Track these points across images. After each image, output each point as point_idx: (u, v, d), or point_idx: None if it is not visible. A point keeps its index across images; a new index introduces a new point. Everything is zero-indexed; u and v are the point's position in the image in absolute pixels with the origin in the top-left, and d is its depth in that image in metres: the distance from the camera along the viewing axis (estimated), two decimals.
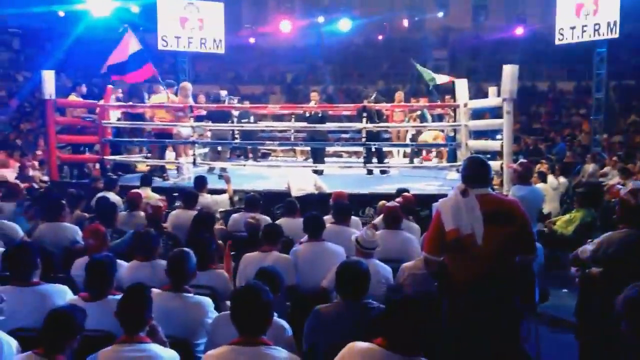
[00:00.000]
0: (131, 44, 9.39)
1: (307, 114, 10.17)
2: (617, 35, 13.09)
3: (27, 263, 3.47)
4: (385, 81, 23.29)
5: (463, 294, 3.20)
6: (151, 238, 4.16)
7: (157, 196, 7.01)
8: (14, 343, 2.85)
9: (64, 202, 5.67)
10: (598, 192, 8.97)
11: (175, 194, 7.52)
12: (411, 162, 11.50)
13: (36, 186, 9.93)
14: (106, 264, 3.46)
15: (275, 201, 7.57)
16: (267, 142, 11.59)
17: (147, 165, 10.24)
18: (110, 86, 10.06)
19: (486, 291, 3.15)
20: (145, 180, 7.61)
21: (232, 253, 4.91)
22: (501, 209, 3.24)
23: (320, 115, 9.92)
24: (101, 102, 9.80)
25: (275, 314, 3.11)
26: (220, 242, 5.12)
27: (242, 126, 10.81)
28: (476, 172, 3.33)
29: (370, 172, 9.79)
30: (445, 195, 3.51)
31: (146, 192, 6.91)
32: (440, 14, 21.44)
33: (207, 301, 3.41)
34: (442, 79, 11.55)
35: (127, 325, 2.80)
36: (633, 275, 3.30)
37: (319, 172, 9.04)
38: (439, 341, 3.01)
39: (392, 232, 5.03)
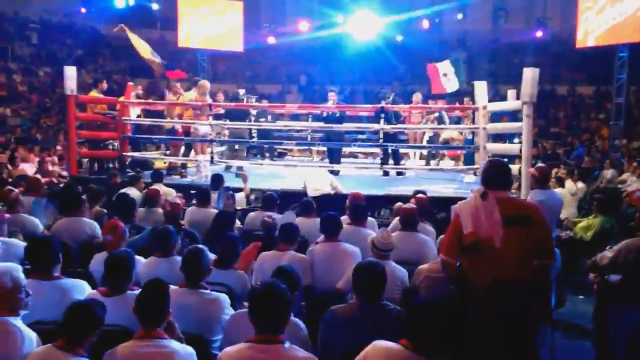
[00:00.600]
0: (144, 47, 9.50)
1: (325, 114, 10.19)
2: (638, 40, 12.98)
3: (49, 257, 3.51)
4: (402, 82, 23.21)
5: (480, 297, 3.19)
6: (170, 234, 4.18)
7: (173, 192, 7.08)
8: (34, 335, 2.89)
9: (83, 197, 5.73)
10: (617, 199, 8.86)
11: (192, 192, 7.57)
12: (427, 164, 11.46)
13: (55, 181, 10.06)
14: (125, 259, 3.50)
15: (291, 201, 7.59)
16: (285, 141, 11.61)
17: (165, 162, 10.32)
18: (130, 83, 10.16)
19: (504, 295, 3.14)
20: (156, 176, 7.64)
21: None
22: (521, 213, 3.24)
23: (337, 115, 9.93)
24: (121, 98, 9.90)
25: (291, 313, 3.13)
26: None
27: (260, 125, 10.85)
28: (496, 175, 3.33)
29: (386, 173, 9.78)
30: (462, 198, 3.51)
31: (160, 188, 6.97)
32: (460, 16, 21.29)
33: (224, 297, 3.43)
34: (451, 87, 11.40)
35: (145, 320, 2.82)
36: None
37: (335, 173, 9.05)
38: (464, 345, 3.00)
39: (408, 233, 5.03)
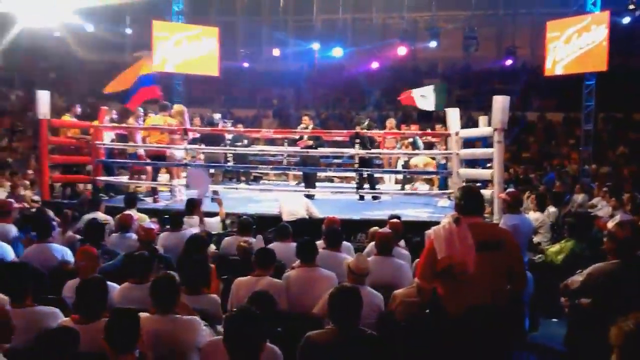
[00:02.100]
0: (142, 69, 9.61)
1: (299, 138, 10.28)
2: (605, 69, 13.38)
3: (22, 284, 3.45)
4: (377, 108, 23.50)
5: (455, 322, 3.22)
6: (144, 260, 4.14)
7: (146, 217, 7.02)
8: None
9: (54, 222, 5.67)
10: (587, 223, 9.03)
11: (166, 216, 7.51)
12: (402, 188, 11.57)
13: (27, 206, 9.89)
14: (98, 285, 3.45)
15: (267, 225, 7.58)
16: (260, 166, 11.64)
17: (137, 187, 10.21)
18: (104, 107, 10.10)
19: (477, 320, 3.18)
20: (129, 201, 7.53)
21: (224, 277, 4.92)
22: (493, 238, 3.29)
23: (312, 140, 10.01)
24: (95, 122, 9.82)
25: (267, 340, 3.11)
26: (212, 265, 5.13)
27: (235, 149, 10.86)
28: (469, 201, 3.39)
29: (362, 197, 9.83)
30: (436, 223, 3.56)
31: (134, 214, 6.90)
32: (433, 44, 21.75)
33: (196, 320, 3.39)
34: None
35: (114, 348, 2.79)
36: (621, 306, 3.34)
37: (310, 197, 9.08)
38: None
39: (383, 258, 5.05)
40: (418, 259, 4.21)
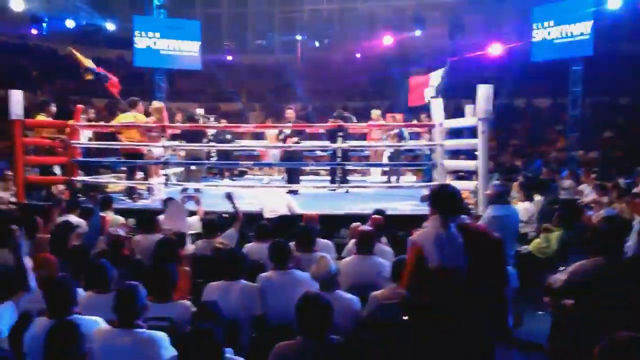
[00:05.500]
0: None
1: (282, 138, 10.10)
2: (590, 54, 13.30)
3: None
4: (364, 98, 23.30)
5: (439, 325, 3.09)
6: (103, 269, 3.93)
7: (121, 219, 6.82)
8: None
9: None
10: (574, 211, 8.91)
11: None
12: (388, 180, 11.42)
13: (5, 208, 9.64)
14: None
15: (249, 223, 7.39)
16: (242, 162, 11.46)
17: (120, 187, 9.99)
18: (80, 106, 9.84)
19: (464, 322, 3.08)
20: (105, 203, 7.25)
21: (199, 281, 4.73)
22: (480, 239, 3.18)
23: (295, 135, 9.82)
24: (71, 122, 9.56)
25: (232, 351, 2.95)
26: (187, 268, 4.94)
27: (215, 146, 10.65)
28: (452, 202, 3.25)
29: (346, 190, 9.67)
30: (421, 216, 3.41)
31: (109, 215, 6.70)
32: (418, 33, 21.54)
33: (159, 336, 3.19)
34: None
35: None
36: (605, 306, 3.21)
37: (294, 192, 8.90)
38: None
39: (363, 257, 4.89)
40: (399, 258, 4.08)
